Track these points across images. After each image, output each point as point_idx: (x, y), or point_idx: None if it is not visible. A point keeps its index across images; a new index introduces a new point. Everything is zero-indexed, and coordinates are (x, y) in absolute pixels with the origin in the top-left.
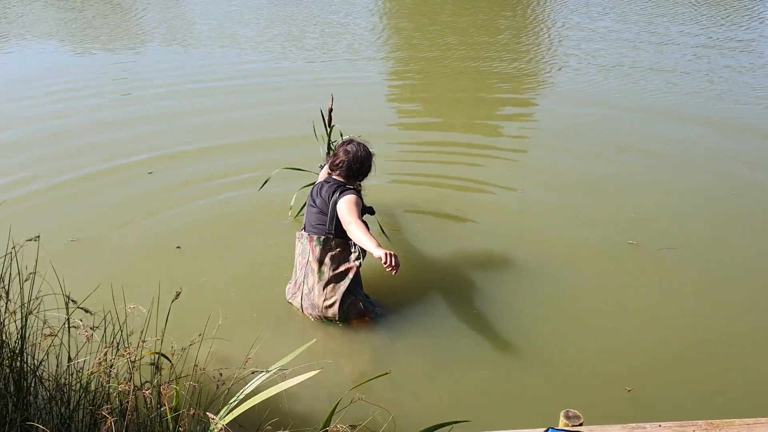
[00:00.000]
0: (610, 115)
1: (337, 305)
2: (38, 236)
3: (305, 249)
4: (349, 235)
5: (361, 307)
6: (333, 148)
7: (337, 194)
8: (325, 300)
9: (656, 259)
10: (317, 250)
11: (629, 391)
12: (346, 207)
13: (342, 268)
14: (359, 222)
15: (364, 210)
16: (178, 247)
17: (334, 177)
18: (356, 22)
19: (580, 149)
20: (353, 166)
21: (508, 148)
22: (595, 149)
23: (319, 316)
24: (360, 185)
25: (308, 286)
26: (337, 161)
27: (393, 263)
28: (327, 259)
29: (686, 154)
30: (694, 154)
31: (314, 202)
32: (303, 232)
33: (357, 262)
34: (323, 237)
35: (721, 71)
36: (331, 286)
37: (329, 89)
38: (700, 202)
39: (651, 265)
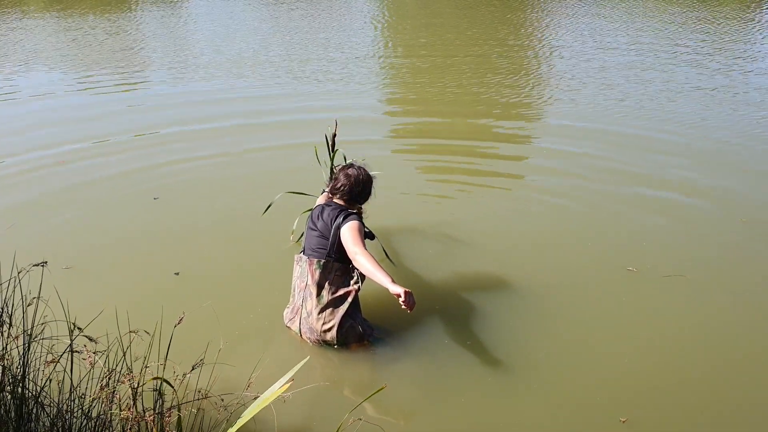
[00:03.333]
0: (615, 140)
1: (335, 329)
2: (45, 262)
3: (304, 272)
4: (357, 265)
5: (359, 330)
6: (335, 171)
7: (340, 219)
8: (323, 324)
9: (659, 287)
10: (317, 273)
11: (623, 422)
12: (350, 235)
13: (341, 292)
14: (367, 253)
15: (365, 235)
16: (176, 274)
17: (335, 201)
18: (354, 47)
19: (582, 172)
20: (355, 190)
21: (508, 172)
22: (598, 173)
23: (318, 340)
24: (361, 208)
25: (306, 310)
26: (338, 185)
27: (410, 302)
28: (326, 283)
29: (695, 181)
30: (703, 181)
31: (315, 225)
32: (302, 255)
33: (356, 286)
34: (323, 261)
35: (726, 98)
36: (330, 309)
37: (329, 115)
38: (709, 230)
39: (653, 293)
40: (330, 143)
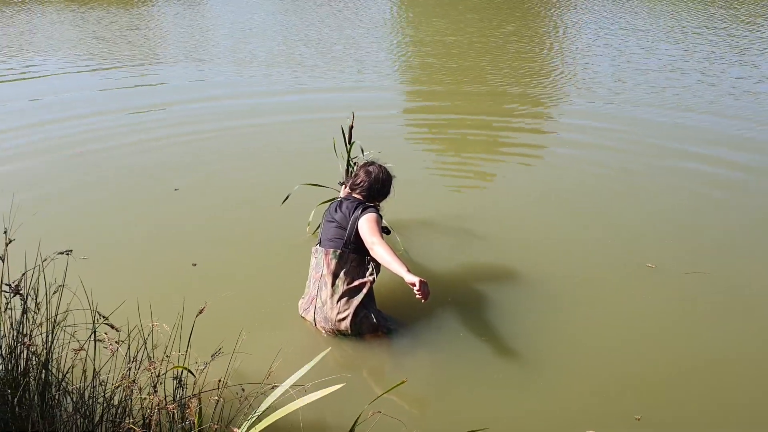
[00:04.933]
0: (634, 134)
1: (349, 319)
2: (71, 250)
3: (320, 263)
4: (374, 255)
5: (374, 321)
6: (352, 164)
7: (358, 211)
8: (338, 313)
9: (679, 283)
10: (332, 264)
11: (638, 419)
12: (368, 225)
13: (356, 283)
14: (384, 243)
15: (382, 229)
16: (194, 264)
17: (354, 195)
18: (371, 40)
19: (599, 168)
20: (374, 187)
21: (525, 163)
22: (617, 166)
23: (332, 330)
24: (379, 206)
25: (321, 300)
26: (358, 181)
27: (425, 291)
28: (342, 273)
29: (724, 175)
30: (733, 175)
31: (333, 217)
32: (318, 246)
33: (371, 277)
34: (339, 251)
35: (754, 94)
36: (345, 299)
37: (347, 108)
38: (737, 226)
39: (672, 290)
40: (347, 135)
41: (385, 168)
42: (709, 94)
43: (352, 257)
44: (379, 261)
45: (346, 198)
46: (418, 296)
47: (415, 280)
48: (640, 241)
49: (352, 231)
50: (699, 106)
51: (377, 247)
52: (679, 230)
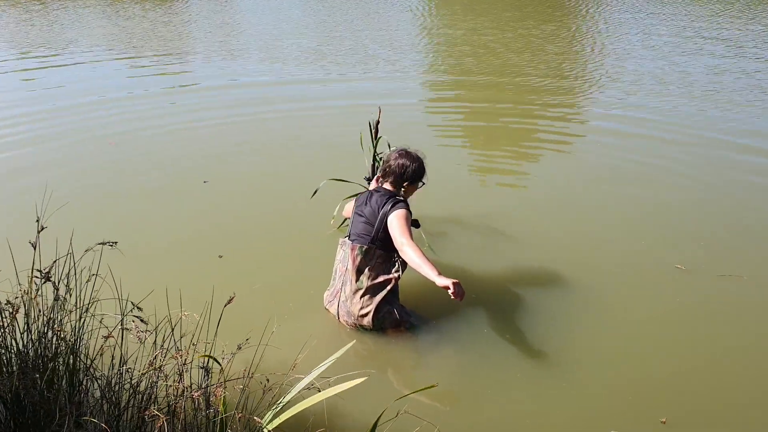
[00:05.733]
0: (663, 136)
1: (371, 314)
2: (116, 242)
3: (346, 256)
4: (403, 256)
5: (396, 316)
6: (378, 160)
7: (388, 206)
8: (361, 308)
9: (713, 287)
10: (358, 259)
11: (663, 422)
12: (398, 224)
13: (381, 279)
14: (414, 244)
15: (411, 223)
16: (220, 257)
17: (384, 187)
18: (398, 38)
19: (629, 170)
20: (406, 173)
21: (556, 160)
22: (645, 169)
23: (354, 324)
24: (416, 187)
25: (345, 294)
26: (387, 168)
27: (460, 292)
28: (366, 269)
29: (755, 177)
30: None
31: (362, 211)
32: (347, 239)
33: (396, 274)
34: (365, 247)
35: None
36: (368, 296)
37: (372, 104)
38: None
39: (704, 293)
40: (373, 130)
41: (416, 154)
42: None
43: (379, 253)
44: (409, 263)
45: (376, 190)
46: (453, 297)
47: (449, 282)
48: (671, 244)
49: (380, 227)
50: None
51: (407, 248)
52: (713, 234)
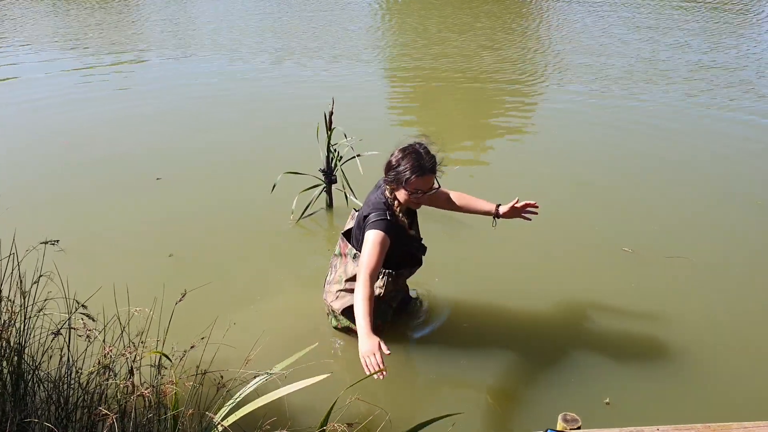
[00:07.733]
0: (620, 125)
1: (340, 310)
2: (57, 240)
3: (339, 248)
4: (355, 287)
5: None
6: (332, 151)
7: (371, 217)
8: (334, 299)
9: (662, 267)
10: (347, 260)
11: (606, 403)
12: (365, 249)
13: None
14: (366, 286)
15: (407, 242)
16: (170, 255)
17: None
18: (357, 29)
19: (584, 157)
20: (388, 167)
21: (509, 149)
22: (602, 159)
23: (329, 307)
24: (419, 192)
25: (329, 278)
26: (387, 162)
27: (370, 364)
28: (351, 272)
29: (711, 161)
30: (721, 162)
31: (366, 201)
32: (354, 211)
33: (378, 291)
34: (354, 253)
35: (737, 82)
36: (343, 293)
37: (330, 93)
38: (723, 212)
39: (653, 273)
40: (327, 122)
41: (413, 146)
42: None
43: None
44: (352, 300)
45: (377, 186)
46: (368, 372)
47: (364, 349)
48: (624, 228)
49: (360, 237)
50: None
51: (358, 283)
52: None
